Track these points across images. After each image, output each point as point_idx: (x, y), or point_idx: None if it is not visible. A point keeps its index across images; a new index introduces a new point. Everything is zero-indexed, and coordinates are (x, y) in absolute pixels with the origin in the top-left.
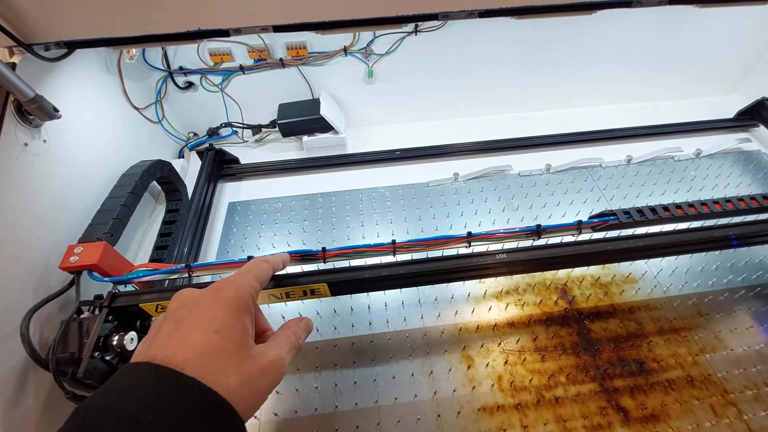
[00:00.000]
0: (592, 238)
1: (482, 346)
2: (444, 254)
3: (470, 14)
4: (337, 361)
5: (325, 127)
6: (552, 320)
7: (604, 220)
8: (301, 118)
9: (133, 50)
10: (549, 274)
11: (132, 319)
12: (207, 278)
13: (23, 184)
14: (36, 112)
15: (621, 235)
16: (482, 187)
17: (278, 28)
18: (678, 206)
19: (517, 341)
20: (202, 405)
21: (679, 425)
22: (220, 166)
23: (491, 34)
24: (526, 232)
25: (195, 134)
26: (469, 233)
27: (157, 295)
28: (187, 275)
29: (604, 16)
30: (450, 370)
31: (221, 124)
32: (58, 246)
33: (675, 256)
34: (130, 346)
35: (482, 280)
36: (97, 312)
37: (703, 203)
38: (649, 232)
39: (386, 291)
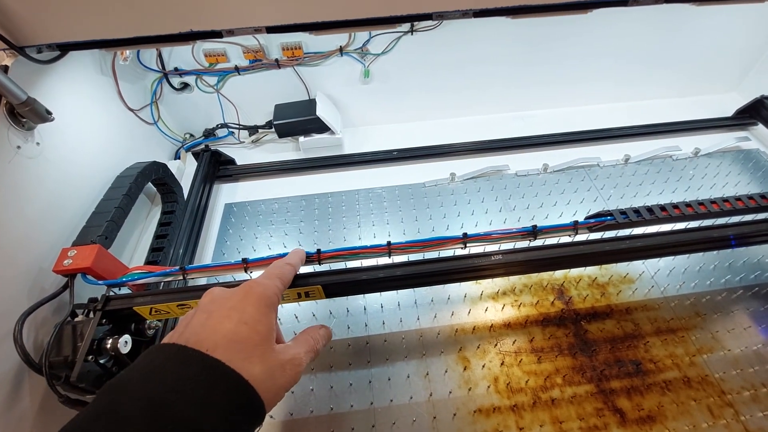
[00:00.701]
0: (589, 238)
1: (478, 347)
2: (440, 255)
3: (465, 14)
4: (332, 363)
5: (322, 127)
6: (548, 321)
7: (600, 220)
8: (298, 119)
9: (127, 52)
10: (546, 275)
11: (126, 322)
12: (202, 281)
13: (16, 187)
14: (29, 114)
15: (618, 235)
16: (479, 187)
17: (272, 29)
18: (675, 206)
19: (514, 342)
20: (227, 386)
21: (676, 426)
22: (216, 168)
23: (488, 33)
24: (522, 233)
25: (191, 135)
26: (465, 234)
27: (151, 298)
28: (181, 278)
29: (601, 14)
30: (446, 371)
31: (217, 125)
32: (52, 249)
33: (672, 257)
34: (124, 350)
35: (479, 281)
36: (91, 315)
37: (701, 203)
38: (646, 232)
39: (382, 292)
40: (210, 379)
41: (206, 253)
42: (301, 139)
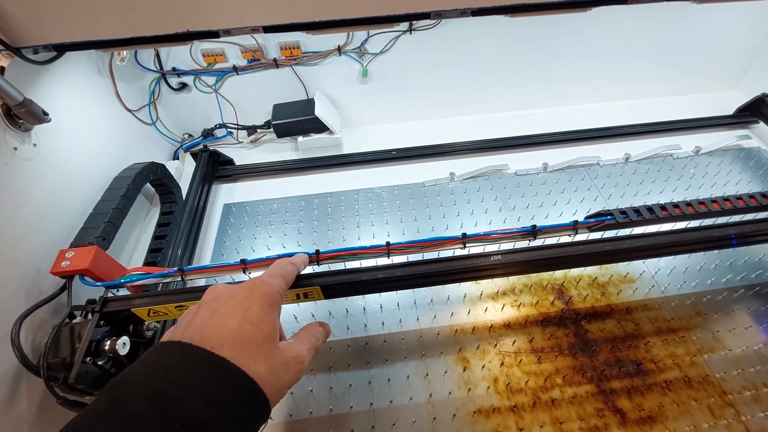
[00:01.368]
0: (589, 238)
1: (478, 347)
2: (440, 256)
3: (463, 13)
4: (331, 364)
5: (320, 127)
6: (548, 321)
7: (600, 220)
8: (296, 119)
9: (124, 52)
10: (546, 275)
11: (125, 323)
12: (201, 282)
13: (13, 188)
14: (25, 116)
15: (618, 234)
16: (479, 187)
17: (269, 29)
18: (676, 205)
19: (513, 342)
20: (233, 383)
21: (677, 427)
22: (215, 168)
23: (487, 32)
24: (521, 233)
25: (190, 135)
26: (464, 234)
27: (150, 300)
28: (180, 279)
29: (601, 12)
30: (446, 372)
31: (216, 125)
32: (50, 250)
33: (673, 256)
34: (122, 351)
35: (478, 281)
36: (89, 317)
37: (701, 202)
38: (646, 231)
39: (382, 293)
40: (217, 376)
41: (205, 254)
42: (300, 139)
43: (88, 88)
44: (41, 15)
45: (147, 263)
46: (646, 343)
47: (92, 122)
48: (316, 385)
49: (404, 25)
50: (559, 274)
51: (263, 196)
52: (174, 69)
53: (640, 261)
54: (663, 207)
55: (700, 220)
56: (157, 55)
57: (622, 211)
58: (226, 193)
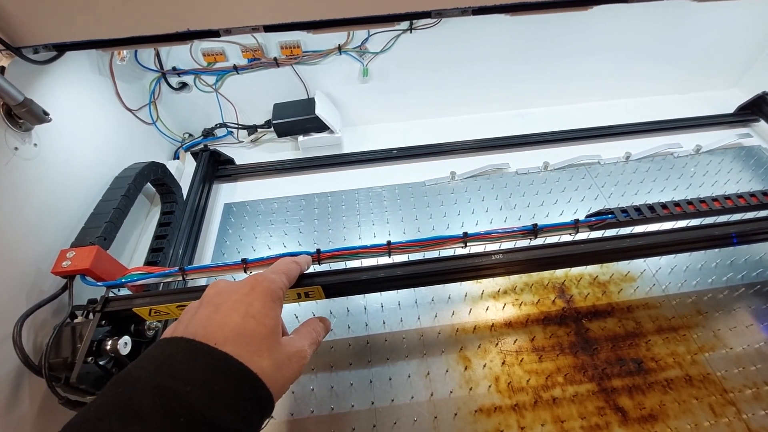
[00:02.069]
0: (590, 237)
1: (479, 346)
2: (441, 255)
3: (464, 12)
4: (333, 363)
5: (321, 126)
6: (550, 320)
7: (601, 218)
8: (296, 118)
9: (124, 52)
10: (547, 273)
11: (126, 323)
12: (202, 281)
13: (14, 188)
14: (26, 116)
15: (619, 233)
16: (479, 186)
17: (269, 28)
18: (676, 204)
19: (515, 341)
20: (236, 380)
21: (678, 425)
22: (215, 167)
23: (488, 30)
24: (522, 232)
25: (190, 135)
26: (465, 233)
27: (151, 299)
28: (181, 278)
29: (602, 11)
30: (447, 371)
31: (216, 125)
32: (51, 250)
33: (674, 255)
34: (123, 351)
35: (479, 280)
36: (90, 316)
37: (702, 201)
38: (647, 230)
39: (383, 292)
40: (220, 371)
41: (206, 254)
42: (301, 138)
43: (89, 87)
44: (41, 15)
45: (148, 263)
46: (647, 341)
47: (93, 122)
48: (317, 384)
49: (405, 24)
50: (560, 272)
51: (264, 195)
52: (174, 68)
53: (641, 260)
54: (664, 206)
55: (701, 219)
56: (158, 55)
57: (623, 210)
58: (226, 193)
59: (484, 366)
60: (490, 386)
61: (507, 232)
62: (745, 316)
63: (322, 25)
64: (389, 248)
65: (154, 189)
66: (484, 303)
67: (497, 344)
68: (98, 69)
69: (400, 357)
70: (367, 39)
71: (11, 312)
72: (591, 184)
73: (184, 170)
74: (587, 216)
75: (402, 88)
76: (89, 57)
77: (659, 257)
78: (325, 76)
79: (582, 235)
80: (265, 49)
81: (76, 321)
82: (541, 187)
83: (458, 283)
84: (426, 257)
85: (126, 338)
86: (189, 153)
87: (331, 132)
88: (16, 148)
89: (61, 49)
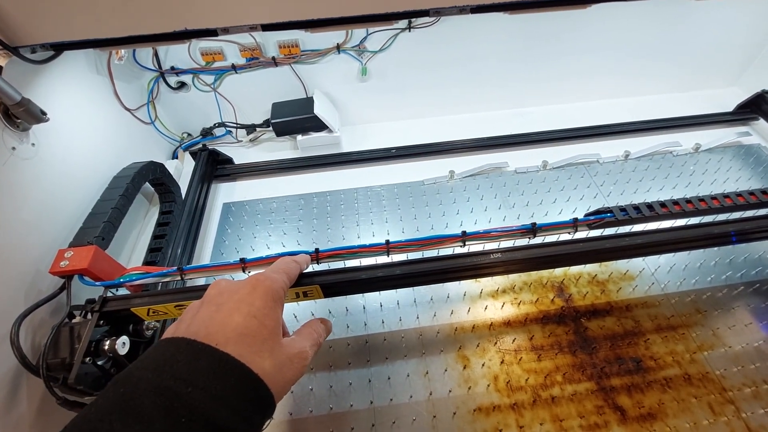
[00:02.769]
0: (589, 235)
1: (478, 345)
2: (439, 254)
3: (462, 10)
4: (331, 363)
5: (319, 125)
6: (548, 319)
7: (600, 217)
8: (295, 117)
9: (122, 51)
10: (545, 272)
11: (124, 323)
12: (201, 281)
13: (12, 188)
14: (23, 115)
15: (618, 232)
16: (478, 185)
17: (267, 27)
18: (675, 202)
19: (514, 340)
20: (238, 380)
21: (677, 424)
22: (214, 167)
23: (486, 29)
24: (521, 231)
25: (189, 135)
26: (464, 232)
27: (149, 299)
28: (179, 278)
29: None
30: (446, 370)
31: (215, 124)
32: (49, 250)
33: (673, 253)
34: (122, 351)
35: (478, 279)
36: (89, 317)
37: (701, 199)
38: (646, 229)
39: (381, 291)
40: (221, 372)
41: (205, 253)
42: (299, 137)
43: (87, 87)
44: (39, 14)
45: (146, 263)
46: (645, 340)
47: (91, 121)
48: (316, 383)
49: (403, 23)
50: (559, 271)
51: (263, 195)
52: (172, 68)
53: (640, 258)
54: (663, 204)
55: (700, 218)
56: (156, 54)
57: (622, 209)
58: (225, 192)
59: (483, 365)
60: (488, 385)
61: (505, 231)
62: (744, 315)
63: (320, 24)
64: (388, 247)
65: (152, 189)
66: (482, 302)
67: (496, 343)
68: (96, 68)
69: (398, 356)
70: (365, 38)
71: (9, 312)
72: (590, 183)
73: (182, 170)
74: (586, 215)
75: (401, 87)
76: (87, 56)
77: (658, 256)
78: (324, 76)
79: (581, 234)
80: (264, 49)
81: (74, 321)
82: (540, 186)
83: (457, 283)
84: (425, 256)
85: (124, 338)
86: (188, 153)
87: (330, 131)
88: (13, 148)
89: (58, 48)
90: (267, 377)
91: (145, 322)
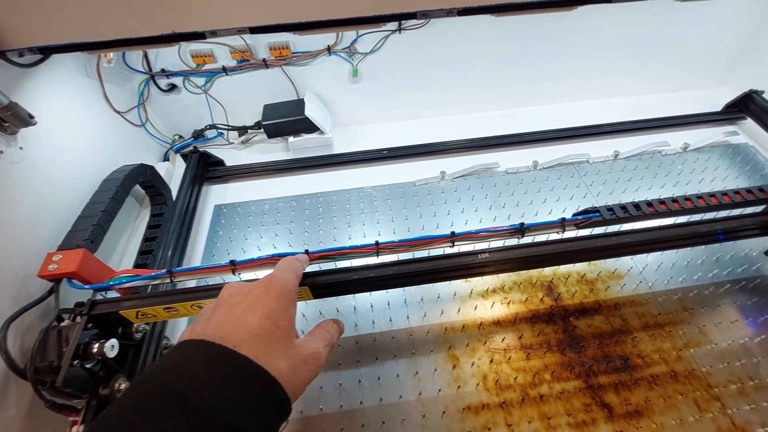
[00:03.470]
0: (579, 235)
1: (468, 345)
2: (430, 254)
3: (449, 12)
4: None
5: (311, 127)
6: (538, 318)
7: (587, 217)
8: (286, 119)
9: (110, 54)
10: (535, 272)
11: (113, 326)
12: (191, 283)
13: (0, 192)
14: (11, 119)
15: (607, 231)
16: (469, 186)
17: (255, 30)
18: (662, 201)
19: (503, 340)
20: (255, 382)
21: (663, 420)
22: (205, 169)
23: (477, 31)
24: (509, 231)
25: (180, 137)
26: (453, 233)
27: (138, 302)
28: (169, 281)
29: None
30: (435, 370)
31: (206, 126)
32: (38, 254)
33: (661, 252)
34: (110, 354)
35: (468, 279)
36: (77, 320)
37: (687, 198)
38: (634, 228)
39: (372, 292)
40: (239, 375)
41: (196, 256)
42: (291, 139)
43: (76, 90)
44: (26, 18)
45: (137, 265)
46: (633, 338)
47: (80, 124)
48: None
49: (393, 25)
50: (548, 271)
51: (254, 196)
52: (163, 70)
53: (628, 257)
54: (649, 203)
55: (687, 216)
56: (146, 57)
57: (609, 208)
58: (217, 195)
59: (473, 364)
60: (478, 384)
61: (494, 231)
62: (731, 312)
63: (308, 26)
64: (377, 248)
65: (143, 191)
66: (473, 302)
67: (485, 343)
68: (85, 71)
69: (389, 356)
70: (356, 40)
71: None
72: (580, 182)
73: (174, 172)
74: (573, 215)
75: (392, 89)
76: (76, 60)
77: (646, 255)
78: (315, 77)
79: (570, 234)
80: (254, 51)
81: (62, 324)
82: (530, 186)
83: (447, 283)
84: (415, 257)
85: (113, 341)
86: (179, 155)
87: (322, 133)
88: (1, 152)
89: (46, 51)
90: (282, 378)
91: (135, 325)
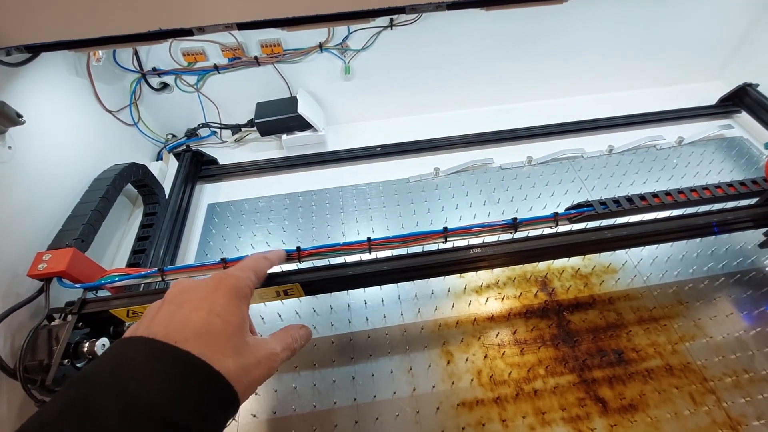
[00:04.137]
0: (573, 229)
1: (462, 341)
2: (424, 250)
3: (438, 6)
4: (316, 361)
5: (304, 125)
6: (532, 313)
7: (580, 211)
8: (279, 117)
9: (99, 52)
10: (529, 267)
11: (104, 325)
12: None
13: None
14: None
15: (601, 225)
16: (463, 182)
17: (243, 26)
18: (655, 195)
19: (497, 335)
20: (198, 378)
21: (658, 414)
22: (198, 168)
23: (469, 26)
24: (502, 226)
25: (174, 136)
26: (446, 228)
27: (128, 300)
28: (160, 279)
29: (582, 5)
30: (429, 366)
31: (199, 125)
32: (27, 253)
33: (655, 245)
34: (101, 353)
35: (462, 275)
36: (68, 319)
37: (680, 191)
38: (629, 221)
39: (366, 288)
40: (181, 371)
41: (189, 254)
42: (284, 137)
43: (65, 89)
44: (12, 16)
45: (130, 264)
46: (627, 332)
47: (70, 124)
48: (300, 381)
49: (385, 21)
50: (542, 265)
51: (248, 195)
52: (154, 69)
53: (623, 251)
54: (642, 197)
55: (681, 210)
56: (136, 55)
57: (602, 202)
58: (210, 193)
59: (467, 360)
60: (472, 380)
61: (487, 227)
62: (726, 305)
63: (297, 22)
64: (369, 245)
65: (136, 191)
66: (467, 298)
67: (480, 338)
68: (75, 70)
69: (383, 353)
70: (347, 36)
71: None
72: (574, 177)
73: (167, 171)
74: (567, 209)
75: (385, 85)
76: (65, 58)
77: (641, 248)
78: (308, 74)
79: (564, 228)
80: (246, 48)
81: (53, 323)
82: (524, 181)
83: (441, 279)
84: (409, 252)
85: (104, 340)
86: (172, 154)
87: (315, 130)
88: None
89: (33, 50)
90: (230, 375)
91: (126, 324)
